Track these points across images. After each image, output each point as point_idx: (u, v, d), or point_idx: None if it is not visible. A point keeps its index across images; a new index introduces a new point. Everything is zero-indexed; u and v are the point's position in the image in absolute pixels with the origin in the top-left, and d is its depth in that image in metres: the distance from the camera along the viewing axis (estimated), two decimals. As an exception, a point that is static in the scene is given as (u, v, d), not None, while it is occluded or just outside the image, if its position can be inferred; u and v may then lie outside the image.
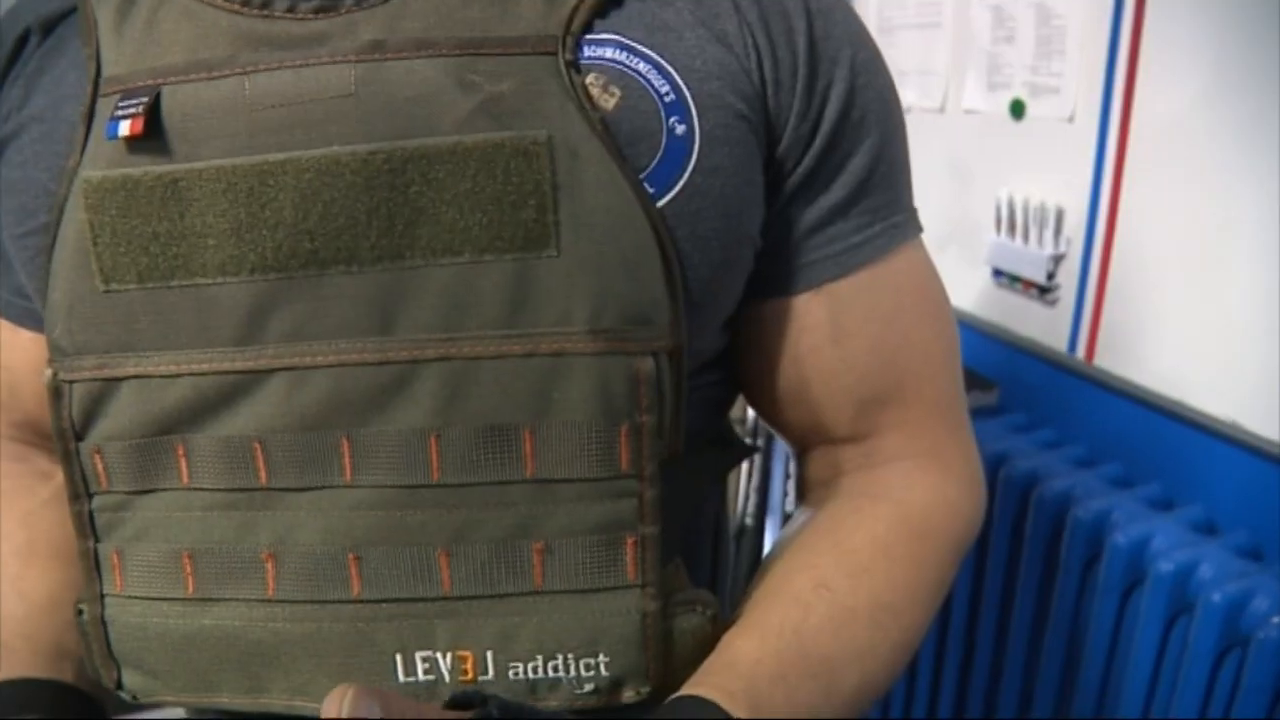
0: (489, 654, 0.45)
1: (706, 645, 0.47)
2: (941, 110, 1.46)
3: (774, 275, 0.51)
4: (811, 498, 0.57)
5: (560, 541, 0.45)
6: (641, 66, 0.44)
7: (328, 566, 0.45)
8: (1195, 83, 1.06)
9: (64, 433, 0.47)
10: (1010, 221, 1.35)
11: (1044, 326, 1.33)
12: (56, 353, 0.47)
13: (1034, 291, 1.34)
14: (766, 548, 1.69)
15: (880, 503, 0.53)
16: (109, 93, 0.46)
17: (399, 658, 0.46)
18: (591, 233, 0.43)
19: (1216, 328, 1.07)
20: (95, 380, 0.46)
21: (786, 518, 1.62)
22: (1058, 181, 1.27)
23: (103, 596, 0.49)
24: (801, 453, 0.58)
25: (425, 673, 0.46)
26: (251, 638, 0.47)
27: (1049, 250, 1.29)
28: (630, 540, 0.45)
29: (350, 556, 0.45)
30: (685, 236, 0.45)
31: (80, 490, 0.48)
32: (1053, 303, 1.31)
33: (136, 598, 0.48)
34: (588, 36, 0.44)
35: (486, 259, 0.43)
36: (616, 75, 0.44)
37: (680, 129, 0.44)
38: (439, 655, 0.46)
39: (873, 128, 0.50)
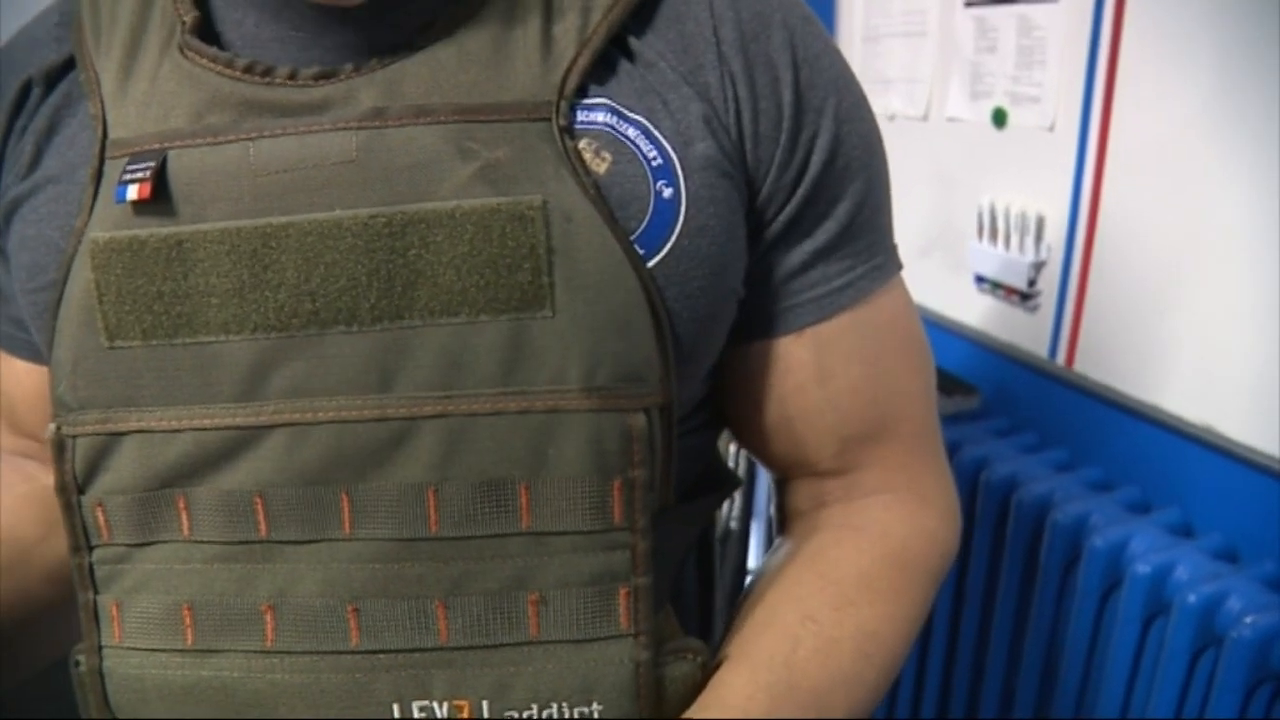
0: (485, 703, 0.46)
1: (696, 692, 0.48)
2: (925, 118, 1.48)
3: (758, 318, 0.52)
4: (793, 528, 0.58)
5: (555, 592, 0.45)
6: (631, 132, 0.46)
7: (326, 618, 0.46)
8: (1173, 93, 1.08)
9: (66, 486, 0.48)
10: (992, 228, 1.37)
11: (1025, 332, 1.35)
12: (60, 407, 0.48)
13: (1015, 298, 1.35)
14: (751, 551, 1.70)
15: (863, 535, 0.54)
16: (116, 155, 0.47)
17: (396, 707, 0.46)
18: (585, 294, 0.44)
19: (1194, 334, 1.09)
20: (98, 435, 0.47)
21: (770, 523, 1.63)
22: (1039, 189, 1.29)
23: (100, 648, 0.49)
24: (784, 482, 0.60)
25: None
26: (250, 688, 0.47)
27: (1030, 257, 1.31)
28: (624, 591, 0.46)
29: (349, 608, 0.46)
30: (674, 295, 0.46)
31: (81, 543, 0.49)
32: (1034, 309, 1.33)
33: (135, 649, 0.48)
34: (582, 101, 0.45)
35: (483, 319, 0.44)
36: (608, 140, 0.45)
37: (667, 192, 0.46)
38: (435, 704, 0.46)
39: (857, 173, 0.51)
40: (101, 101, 0.48)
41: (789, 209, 0.49)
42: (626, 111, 0.46)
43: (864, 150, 0.51)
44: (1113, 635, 1.06)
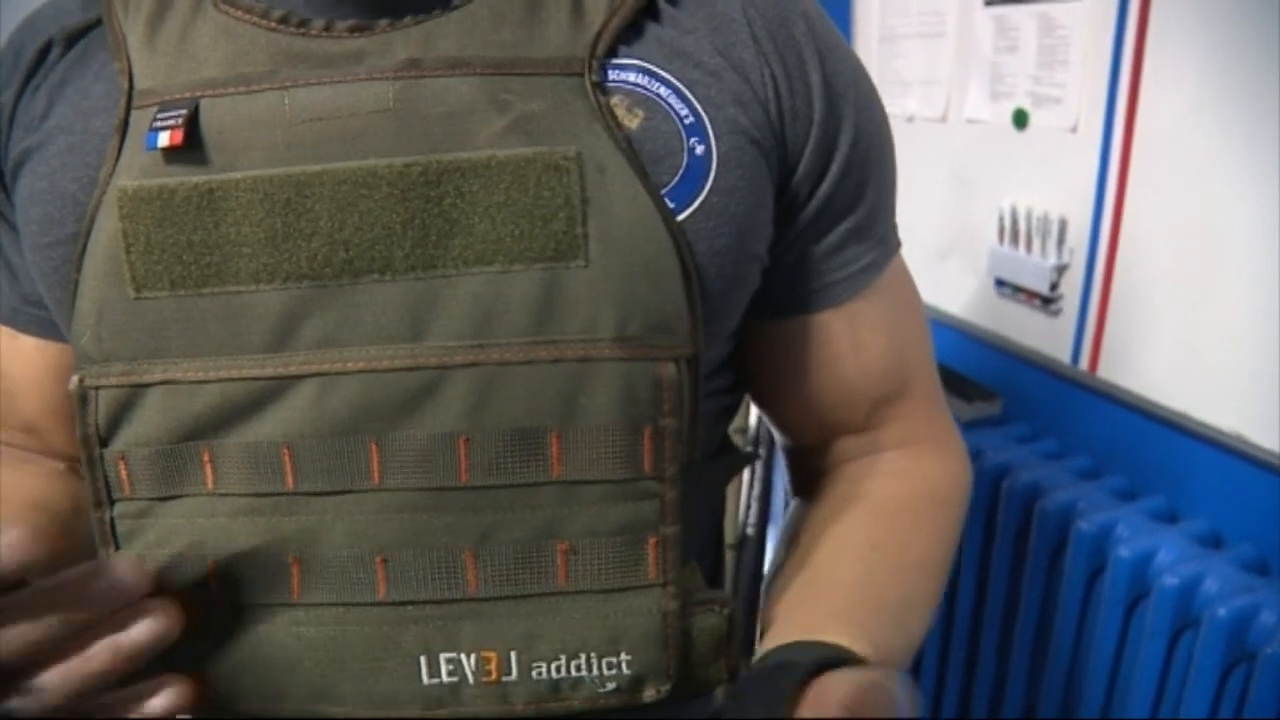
0: (513, 654, 0.46)
1: (722, 644, 0.49)
2: (944, 120, 1.46)
3: (798, 294, 0.54)
4: (821, 484, 0.61)
5: (584, 542, 0.46)
6: (662, 91, 0.47)
7: (354, 569, 0.46)
8: (1198, 93, 1.06)
9: (89, 439, 0.47)
10: (1013, 231, 1.35)
11: (1047, 337, 1.33)
12: (83, 359, 0.47)
13: (1037, 302, 1.33)
14: (768, 557, 1.68)
15: (900, 479, 0.58)
16: (144, 105, 0.47)
17: (423, 659, 0.46)
18: (618, 244, 0.45)
19: (1221, 339, 1.07)
20: (123, 386, 0.47)
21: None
22: (1061, 192, 1.27)
23: None
24: (801, 449, 0.62)
25: (449, 674, 0.47)
26: (275, 642, 0.47)
27: (1052, 260, 1.29)
28: (653, 540, 0.46)
29: (377, 559, 0.46)
30: (703, 251, 0.47)
31: (102, 497, 0.48)
32: (1056, 313, 1.31)
33: None
34: (612, 61, 0.47)
35: (516, 269, 0.44)
36: (640, 98, 0.47)
37: (700, 149, 0.47)
38: (463, 656, 0.47)
39: (877, 158, 0.54)
40: (128, 54, 0.48)
41: (823, 189, 0.51)
42: (659, 71, 0.47)
43: (881, 137, 0.54)
44: (1139, 648, 1.04)
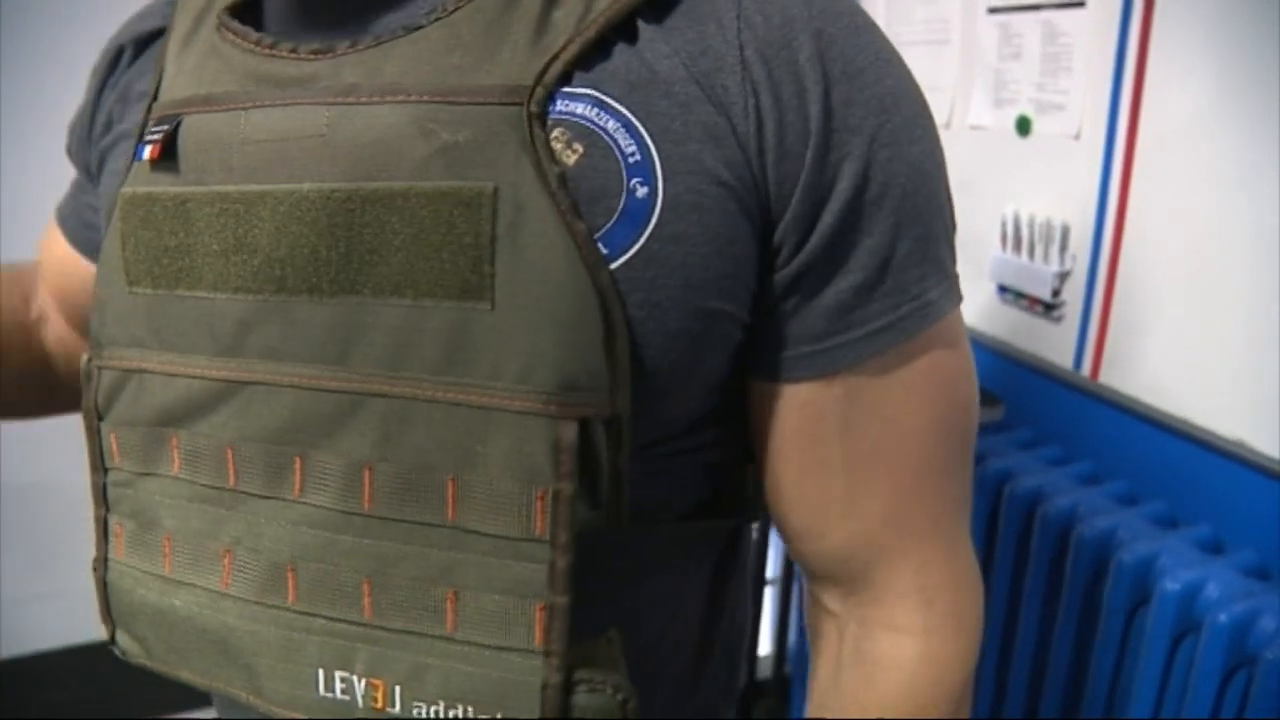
0: (398, 688, 0.46)
1: None
2: (947, 126, 1.46)
3: (782, 358, 0.48)
4: (816, 638, 0.56)
5: (472, 593, 0.45)
6: (610, 124, 0.43)
7: (270, 572, 0.48)
8: (1201, 100, 1.06)
9: (89, 411, 0.52)
10: (1016, 238, 1.35)
11: (1049, 343, 1.33)
12: (93, 342, 0.52)
13: (1039, 308, 1.34)
14: (770, 560, 1.68)
15: (878, 684, 0.51)
16: (154, 118, 0.51)
17: (321, 673, 0.47)
18: (528, 289, 0.42)
19: (1223, 345, 1.07)
20: (116, 370, 0.51)
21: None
22: (1063, 198, 1.27)
23: (107, 560, 0.54)
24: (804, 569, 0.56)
25: (343, 692, 0.47)
26: (209, 625, 0.50)
27: (1054, 267, 1.29)
28: (539, 606, 0.44)
29: (288, 568, 0.47)
30: (638, 302, 0.43)
31: (98, 463, 0.53)
32: (1058, 319, 1.31)
33: (130, 567, 0.53)
34: (564, 89, 0.43)
35: (427, 304, 0.43)
36: (582, 131, 0.43)
37: (642, 191, 0.43)
38: (355, 678, 0.47)
39: (907, 203, 0.46)
40: (162, 68, 0.52)
41: (816, 238, 0.45)
42: (611, 102, 0.43)
43: (911, 176, 0.46)
44: (1140, 654, 1.04)
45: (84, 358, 0.52)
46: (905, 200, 0.46)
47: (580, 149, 0.43)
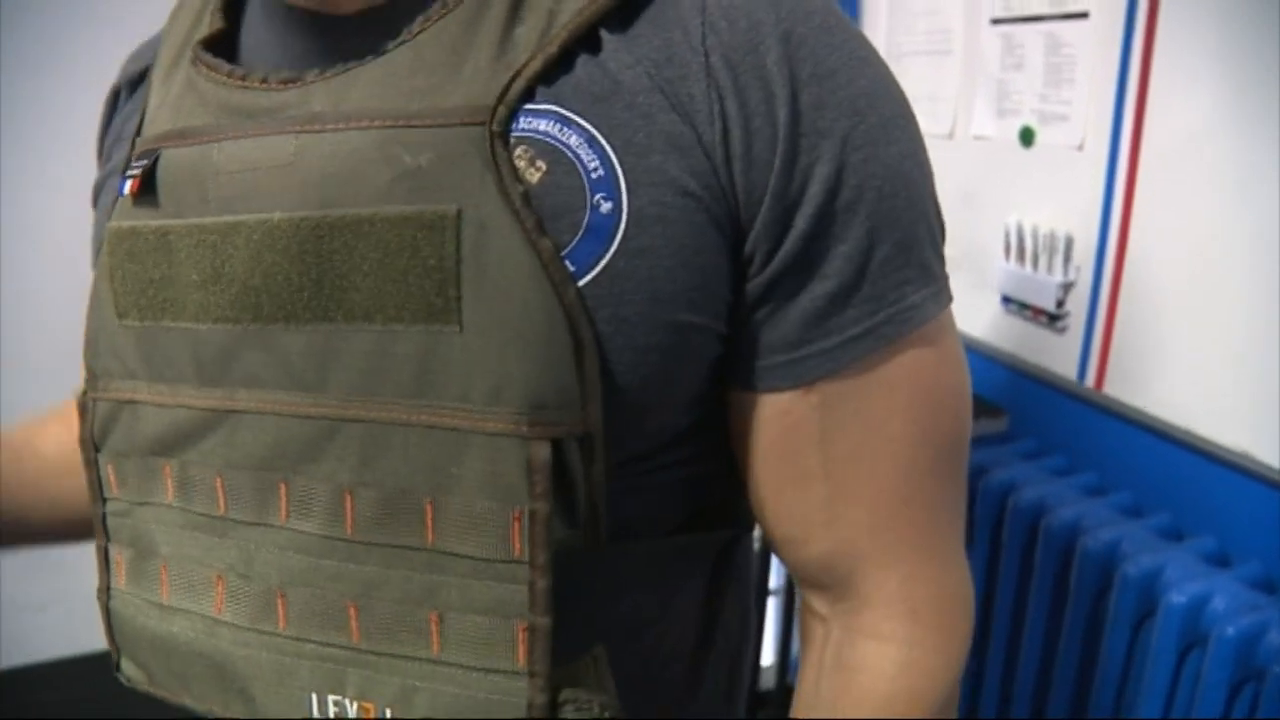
0: (388, 710, 0.46)
1: None
2: (950, 137, 1.46)
3: (758, 368, 0.47)
4: (803, 642, 0.55)
5: (454, 615, 0.45)
6: (573, 140, 0.43)
7: (262, 598, 0.48)
8: (1205, 110, 1.06)
9: (86, 443, 0.53)
10: (1020, 249, 1.35)
11: (1053, 354, 1.33)
12: (88, 374, 0.53)
13: (1043, 319, 1.33)
14: (773, 569, 1.68)
15: (859, 685, 0.50)
16: (137, 153, 0.52)
17: (314, 697, 0.48)
18: (495, 310, 0.42)
19: (1227, 356, 1.07)
20: (110, 401, 0.52)
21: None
22: (1067, 209, 1.27)
23: (109, 589, 0.54)
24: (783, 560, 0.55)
25: (335, 716, 0.48)
26: (206, 650, 0.50)
27: (1058, 278, 1.29)
28: (521, 627, 0.44)
29: (278, 593, 0.48)
30: (606, 318, 0.43)
31: (97, 494, 0.54)
32: (1062, 330, 1.31)
33: (131, 595, 0.53)
34: (527, 106, 0.43)
35: (397, 328, 0.43)
36: (545, 149, 0.43)
37: (606, 206, 0.42)
38: (347, 701, 0.47)
39: (874, 206, 0.45)
40: (145, 103, 0.53)
41: (788, 244, 0.44)
42: (573, 117, 0.43)
43: (887, 179, 0.45)
44: (1146, 667, 1.03)
45: (80, 390, 0.53)
46: (882, 203, 0.45)
47: (543, 166, 0.43)
